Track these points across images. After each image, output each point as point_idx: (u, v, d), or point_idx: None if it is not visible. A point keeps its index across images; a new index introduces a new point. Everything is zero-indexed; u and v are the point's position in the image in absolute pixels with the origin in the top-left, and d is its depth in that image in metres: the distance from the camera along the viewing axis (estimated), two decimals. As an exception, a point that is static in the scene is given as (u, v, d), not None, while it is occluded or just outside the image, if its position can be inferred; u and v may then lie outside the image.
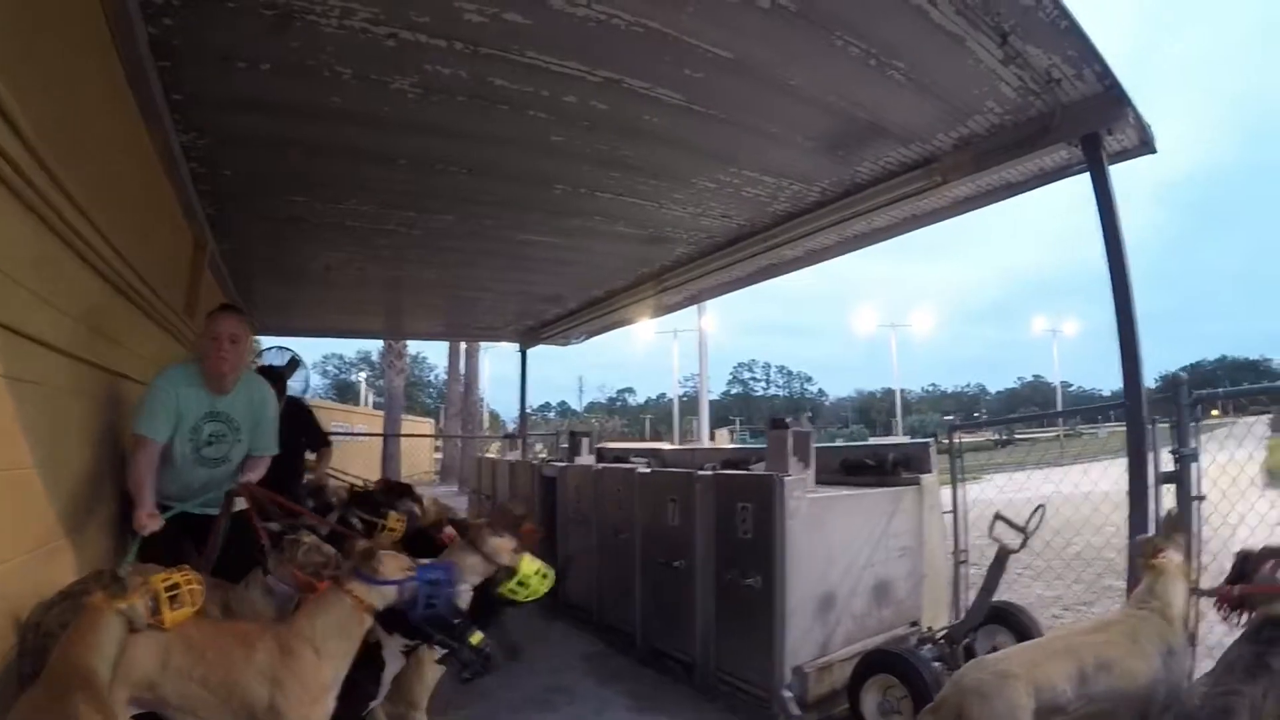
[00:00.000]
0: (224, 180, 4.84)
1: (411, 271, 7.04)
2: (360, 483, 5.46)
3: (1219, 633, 2.95)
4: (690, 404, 43.45)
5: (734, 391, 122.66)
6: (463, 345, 25.71)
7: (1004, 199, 5.13)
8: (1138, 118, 4.06)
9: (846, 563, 4.32)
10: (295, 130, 4.19)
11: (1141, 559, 3.21)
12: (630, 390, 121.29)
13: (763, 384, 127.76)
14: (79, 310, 3.05)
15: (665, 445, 10.58)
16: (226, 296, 7.15)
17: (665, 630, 5.01)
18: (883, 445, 5.70)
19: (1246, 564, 2.83)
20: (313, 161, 4.60)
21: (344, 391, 73.68)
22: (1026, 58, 3.50)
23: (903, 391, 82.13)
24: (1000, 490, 5.08)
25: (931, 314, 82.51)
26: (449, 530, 4.26)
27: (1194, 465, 4.02)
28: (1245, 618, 2.70)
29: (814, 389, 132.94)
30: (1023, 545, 3.85)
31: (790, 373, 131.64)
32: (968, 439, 5.41)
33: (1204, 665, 2.96)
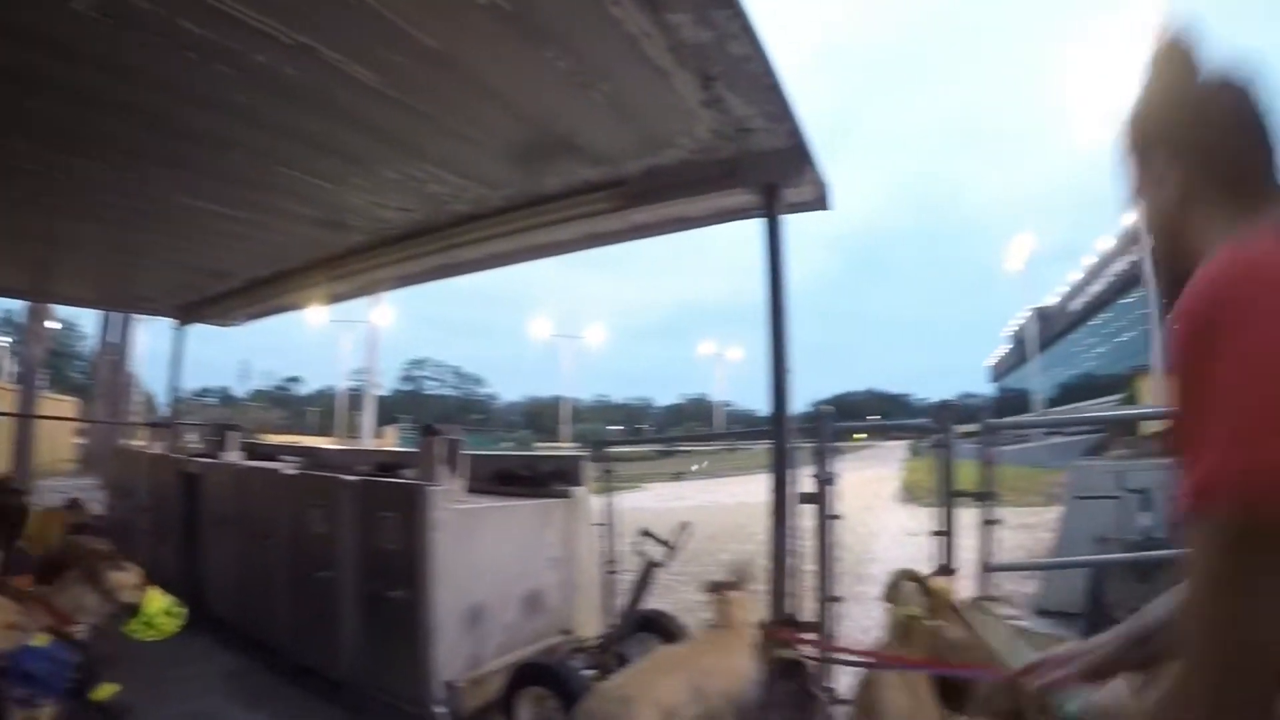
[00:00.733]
0: None
1: (61, 226, 5.98)
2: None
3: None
4: (359, 398, 41.45)
5: (404, 389, 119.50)
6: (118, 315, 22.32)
7: (680, 230, 5.35)
8: (820, 177, 4.42)
9: (497, 574, 4.28)
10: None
11: (716, 595, 3.84)
12: (297, 379, 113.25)
13: (434, 383, 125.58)
14: None
15: (328, 443, 9.89)
16: None
17: (313, 646, 4.67)
18: (536, 457, 5.76)
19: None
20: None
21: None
22: (726, 104, 3.67)
23: (573, 399, 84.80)
24: (660, 499, 5.34)
25: (605, 326, 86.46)
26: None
27: (829, 489, 4.51)
28: None
29: (485, 391, 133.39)
30: (668, 559, 4.07)
31: (462, 373, 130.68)
32: (631, 449, 5.62)
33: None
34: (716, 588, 3.85)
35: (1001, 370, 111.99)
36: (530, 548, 4.49)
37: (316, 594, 4.49)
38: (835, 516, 4.51)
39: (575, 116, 3.87)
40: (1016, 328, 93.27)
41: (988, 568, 4.33)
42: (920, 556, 4.13)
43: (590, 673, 3.80)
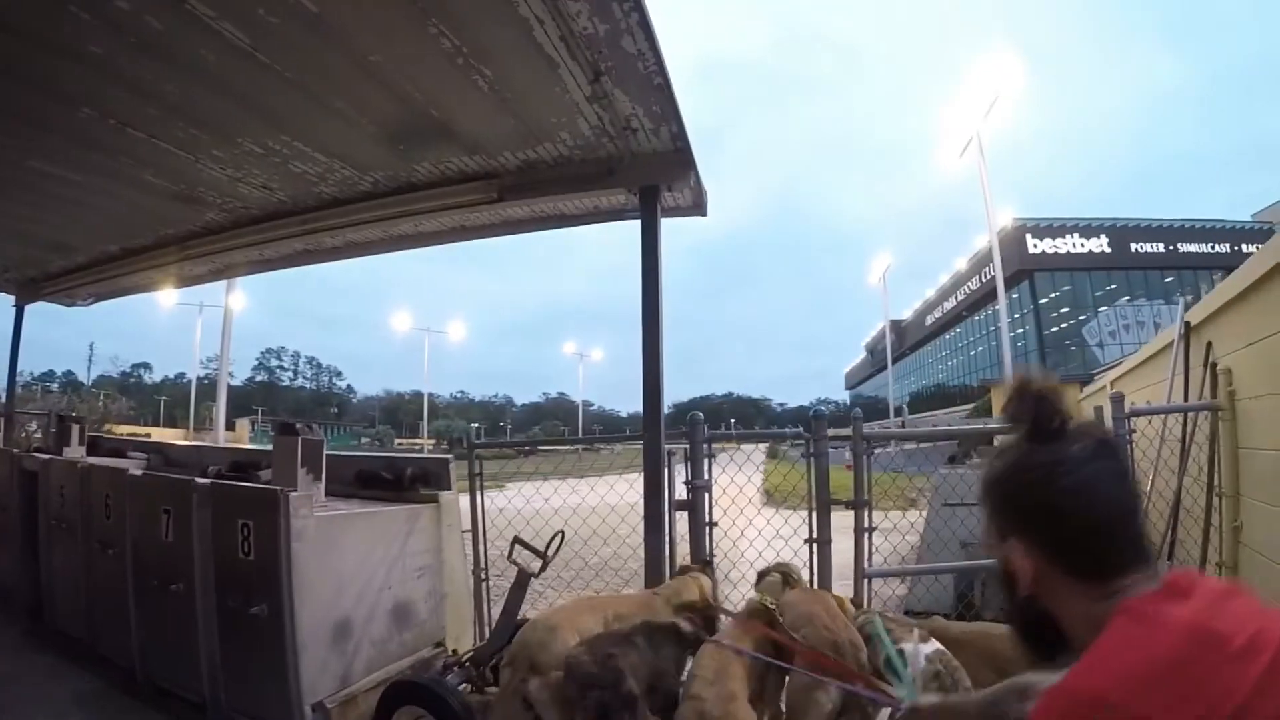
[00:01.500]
0: None
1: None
2: None
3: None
4: (211, 388, 39.18)
5: (259, 379, 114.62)
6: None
7: (556, 228, 5.29)
8: (698, 182, 4.45)
9: (362, 585, 4.01)
10: None
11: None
12: (146, 366, 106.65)
13: (290, 374, 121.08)
14: None
15: (178, 437, 9.21)
16: None
17: (170, 665, 4.23)
18: (400, 458, 5.49)
19: None
20: None
21: None
22: (612, 100, 3.63)
23: (432, 395, 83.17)
24: (526, 500, 5.21)
25: (467, 323, 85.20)
26: None
27: (706, 495, 4.52)
28: None
29: (343, 384, 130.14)
30: (542, 569, 3.97)
31: (320, 365, 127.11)
32: (491, 457, 5.49)
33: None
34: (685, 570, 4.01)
35: (856, 379, 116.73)
36: (397, 556, 4.23)
37: (171, 608, 4.08)
38: (712, 524, 4.53)
39: (454, 101, 3.72)
40: (872, 338, 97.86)
41: (865, 574, 4.41)
42: (791, 561, 4.16)
43: (465, 687, 3.65)
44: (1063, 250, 50.87)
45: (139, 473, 4.77)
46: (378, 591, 4.07)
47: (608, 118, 3.84)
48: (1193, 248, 48.86)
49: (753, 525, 4.86)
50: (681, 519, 4.56)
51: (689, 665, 2.97)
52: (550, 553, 4.01)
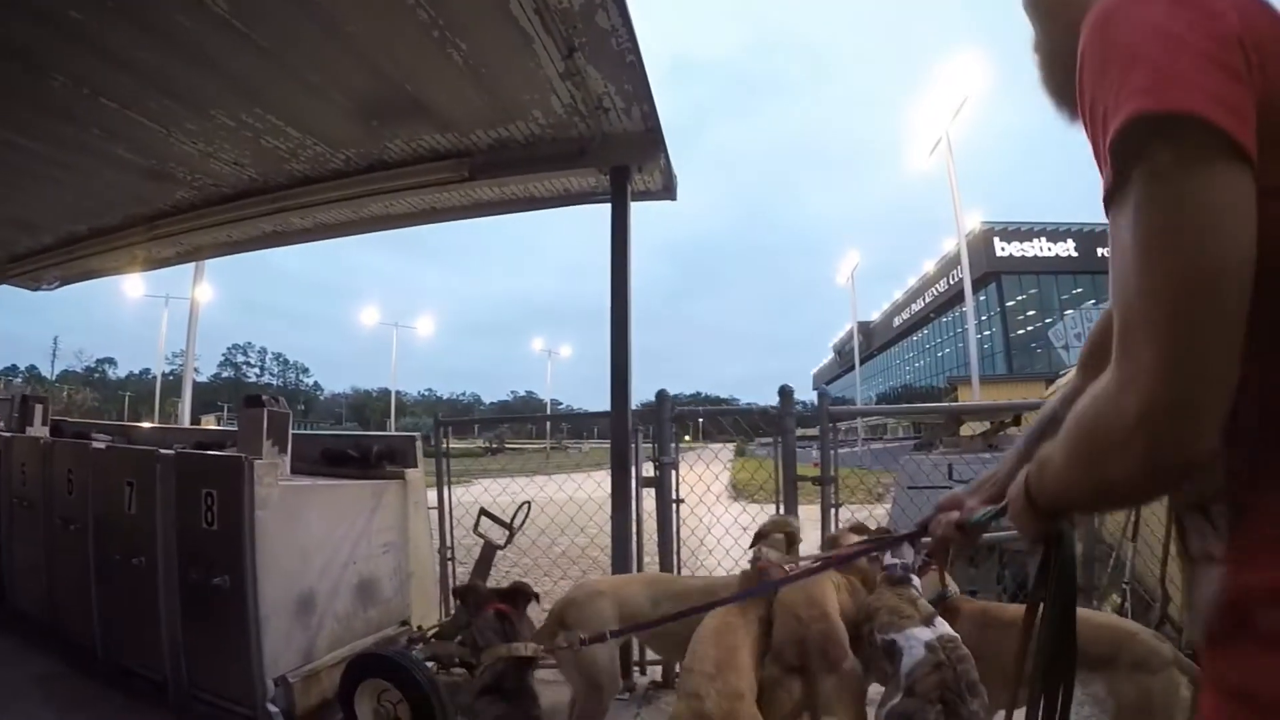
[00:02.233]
0: None
1: None
2: None
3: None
4: (177, 384, 38.55)
5: (225, 375, 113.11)
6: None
7: (526, 211, 5.33)
8: (668, 164, 4.53)
9: (327, 559, 3.99)
10: None
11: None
12: (111, 361, 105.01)
13: (257, 370, 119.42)
14: None
15: (143, 424, 9.09)
16: None
17: (131, 643, 4.16)
18: (367, 436, 5.51)
19: None
20: None
21: None
22: (585, 78, 3.67)
23: (399, 393, 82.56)
24: (489, 494, 5.27)
25: (435, 319, 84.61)
26: None
27: (673, 472, 4.60)
28: None
29: (310, 381, 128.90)
30: (508, 541, 4.02)
31: (287, 361, 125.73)
32: (458, 445, 5.53)
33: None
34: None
35: (824, 379, 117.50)
36: (363, 532, 4.20)
37: (131, 584, 4.02)
38: (679, 500, 4.62)
39: (428, 75, 3.73)
40: (840, 339, 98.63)
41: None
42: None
43: (430, 664, 3.68)
44: (1030, 254, 51.66)
45: (103, 446, 4.73)
46: (342, 567, 4.05)
47: (580, 96, 3.88)
48: (1157, 253, 49.64)
49: (720, 522, 4.95)
50: (648, 497, 4.63)
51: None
52: (516, 523, 4.06)
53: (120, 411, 66.48)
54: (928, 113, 27.45)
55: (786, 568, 2.88)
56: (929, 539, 1.56)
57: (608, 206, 4.56)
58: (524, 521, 4.05)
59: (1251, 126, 0.75)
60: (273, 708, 3.55)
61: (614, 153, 4.40)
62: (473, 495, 5.15)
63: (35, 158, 4.85)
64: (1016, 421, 8.27)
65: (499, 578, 4.64)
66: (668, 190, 4.91)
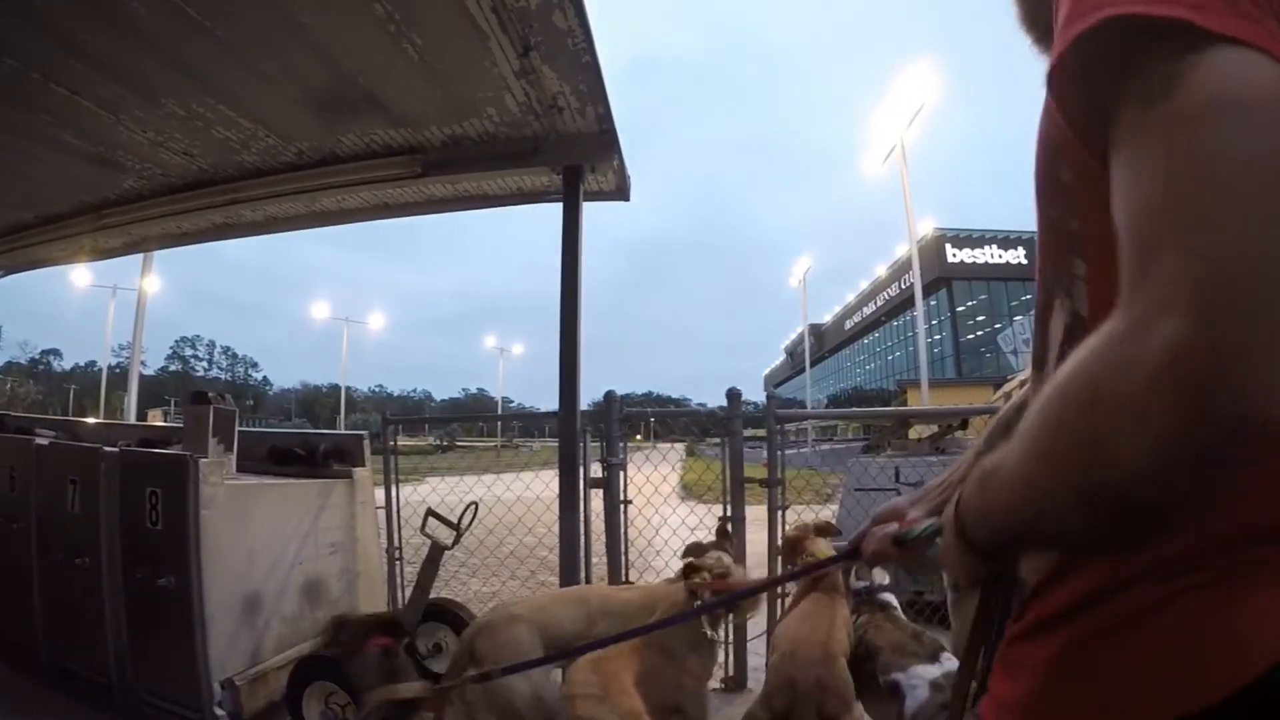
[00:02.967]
0: None
1: None
2: None
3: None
4: (123, 377, 37.54)
5: (172, 368, 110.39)
6: None
7: (479, 208, 5.33)
8: (621, 164, 4.56)
9: (273, 559, 3.96)
10: None
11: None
12: (56, 353, 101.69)
13: (205, 364, 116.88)
14: None
15: (87, 420, 8.84)
16: None
17: (74, 645, 4.07)
18: (314, 434, 5.45)
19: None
20: None
21: None
22: (540, 77, 3.68)
23: (349, 389, 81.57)
24: (438, 493, 5.24)
25: (387, 315, 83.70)
26: None
27: (621, 474, 4.64)
28: None
29: (258, 376, 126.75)
30: (455, 542, 4.01)
31: (235, 355, 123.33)
32: (408, 442, 5.51)
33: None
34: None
35: (775, 381, 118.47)
36: (309, 532, 4.18)
37: (75, 585, 3.94)
38: (626, 501, 4.66)
39: (383, 69, 3.71)
40: (791, 341, 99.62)
41: (780, 552, 4.59)
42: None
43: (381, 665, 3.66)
44: (981, 260, 52.76)
45: (45, 442, 4.62)
46: (289, 567, 4.02)
47: (535, 94, 3.88)
48: (1104, 263, 51.06)
49: (668, 524, 4.99)
50: (596, 498, 4.66)
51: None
52: (464, 524, 4.05)
53: (65, 405, 64.77)
54: (884, 119, 27.85)
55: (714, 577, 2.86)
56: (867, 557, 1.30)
57: (561, 205, 4.57)
58: (471, 522, 4.04)
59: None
60: (219, 710, 3.51)
61: (568, 152, 4.42)
62: (421, 494, 5.13)
63: (-17, 144, 4.71)
64: (964, 425, 8.46)
65: (446, 578, 4.66)
66: (621, 191, 4.94)
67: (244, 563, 3.74)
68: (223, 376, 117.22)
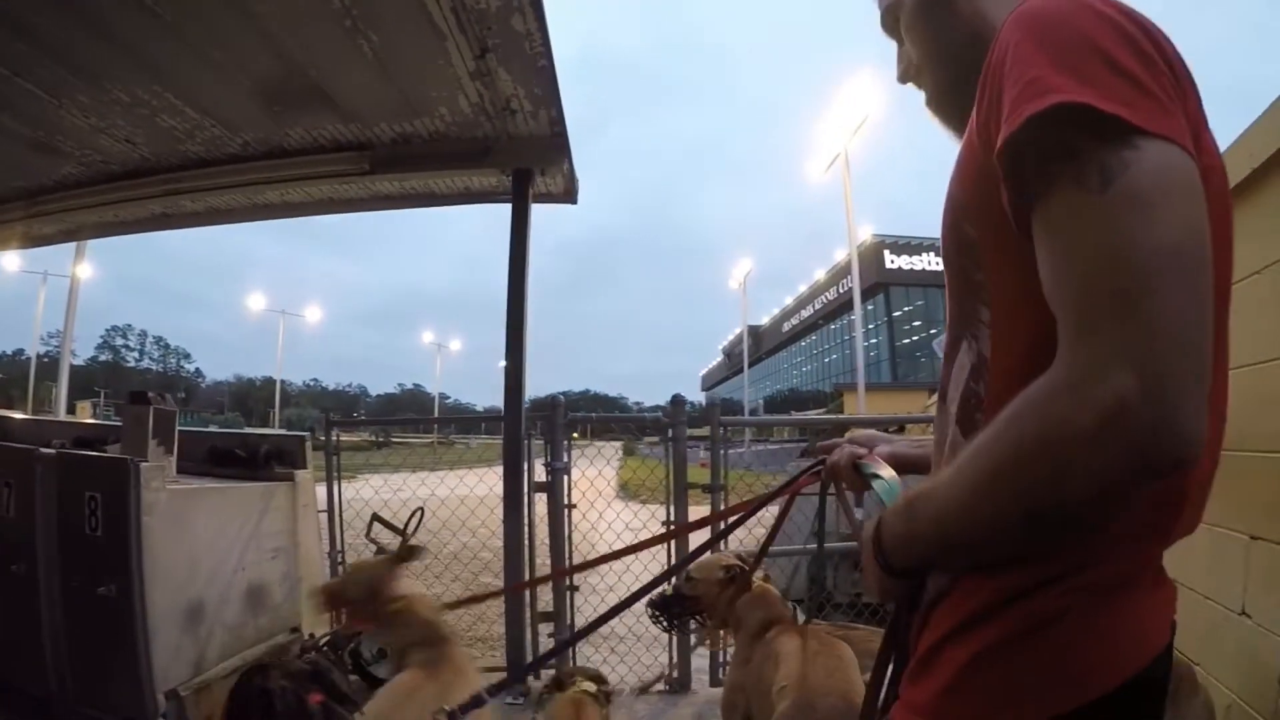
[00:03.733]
0: None
1: None
2: None
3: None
4: (52, 366, 36.01)
5: (103, 358, 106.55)
6: None
7: (425, 207, 5.29)
8: (571, 169, 4.57)
9: (215, 565, 3.83)
10: None
11: None
12: None
13: (136, 354, 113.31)
14: None
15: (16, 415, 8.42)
16: None
17: (9, 656, 3.85)
18: (255, 435, 5.34)
19: None
20: None
21: None
22: (495, 79, 3.67)
23: (284, 382, 79.91)
24: (377, 491, 5.19)
25: (323, 307, 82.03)
26: None
27: (565, 477, 4.65)
28: None
29: (191, 367, 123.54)
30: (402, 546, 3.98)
31: (168, 346, 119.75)
32: (346, 438, 5.44)
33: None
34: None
35: (713, 381, 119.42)
36: (251, 536, 4.06)
37: (12, 594, 3.71)
38: (570, 505, 4.67)
39: (336, 64, 3.65)
40: (729, 342, 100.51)
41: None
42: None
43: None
44: (918, 267, 53.88)
45: (-28, 443, 4.44)
46: (231, 573, 3.90)
47: (488, 96, 3.86)
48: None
49: (611, 527, 5.02)
50: (540, 501, 4.66)
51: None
52: (410, 530, 4.02)
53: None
54: (828, 127, 28.19)
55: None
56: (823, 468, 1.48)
57: (508, 205, 4.57)
58: (417, 527, 4.01)
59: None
60: (163, 722, 3.43)
61: (518, 155, 4.41)
62: (360, 493, 5.07)
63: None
64: (900, 430, 8.64)
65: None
66: (568, 194, 4.95)
67: (186, 569, 3.62)
68: (154, 367, 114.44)
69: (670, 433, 4.72)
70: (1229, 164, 0.97)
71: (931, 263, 53.69)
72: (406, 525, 3.95)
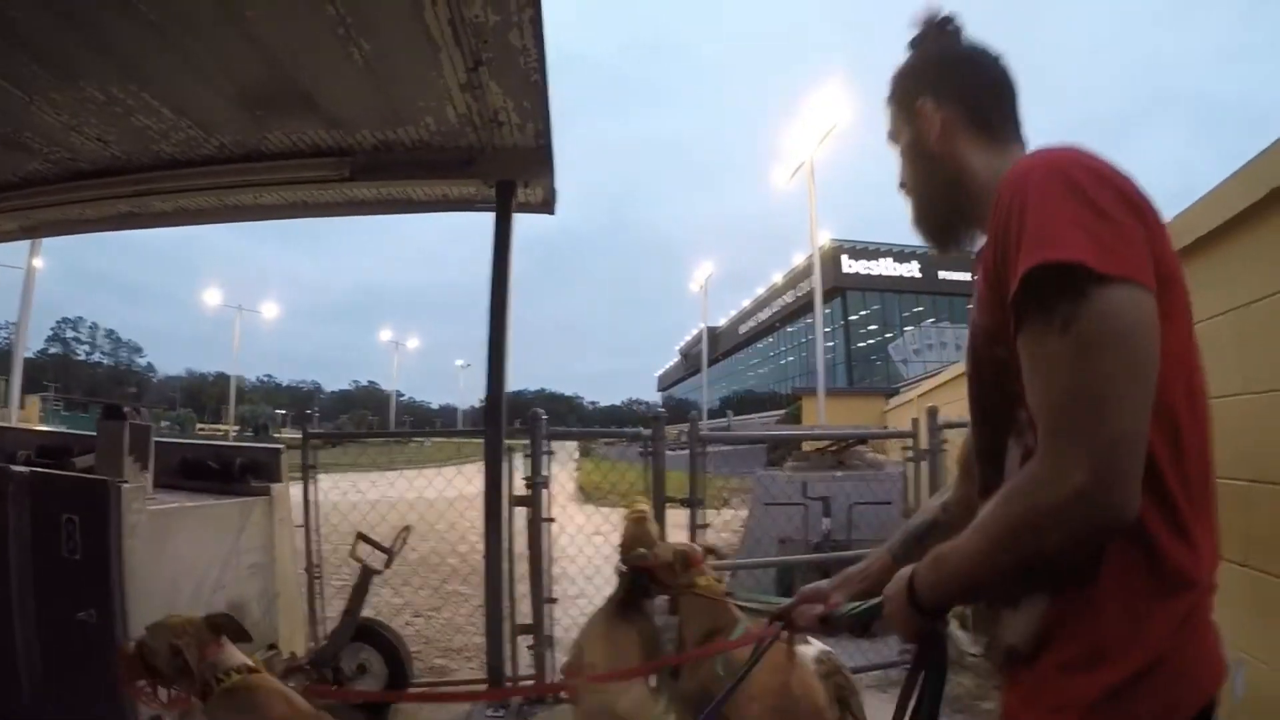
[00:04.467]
0: None
1: None
2: None
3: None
4: (4, 360, 34.67)
5: (53, 351, 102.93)
6: None
7: (402, 213, 5.24)
8: (552, 182, 4.54)
9: (196, 585, 3.70)
10: None
11: None
12: None
13: (87, 347, 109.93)
14: None
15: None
16: None
17: None
18: (229, 447, 5.20)
19: None
20: None
21: None
22: (485, 91, 3.62)
23: (238, 379, 78.26)
24: (345, 494, 5.11)
25: (280, 303, 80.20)
26: None
27: (544, 491, 4.62)
28: None
29: (143, 361, 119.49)
30: (387, 565, 3.92)
31: (119, 339, 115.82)
32: (296, 436, 5.34)
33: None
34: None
35: (669, 381, 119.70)
36: (230, 553, 3.94)
37: None
38: (550, 519, 4.64)
39: (324, 72, 3.56)
40: (687, 342, 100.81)
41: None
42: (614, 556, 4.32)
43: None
44: (875, 272, 54.56)
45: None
46: (211, 592, 3.76)
47: (477, 108, 3.81)
48: (995, 278, 53.75)
49: (583, 531, 5.00)
50: (518, 514, 4.63)
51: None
52: (396, 548, 3.96)
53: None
54: (792, 134, 28.19)
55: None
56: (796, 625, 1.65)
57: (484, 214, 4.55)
58: (402, 546, 3.96)
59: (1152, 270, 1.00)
60: (146, 749, 3.27)
61: (502, 166, 4.38)
62: (328, 495, 4.97)
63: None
64: (862, 441, 8.73)
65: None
66: (546, 205, 4.91)
67: (168, 591, 3.48)
68: (105, 360, 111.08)
69: (652, 448, 4.75)
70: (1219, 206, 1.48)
71: (889, 268, 54.46)
72: (394, 544, 3.90)
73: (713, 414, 62.96)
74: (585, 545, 4.96)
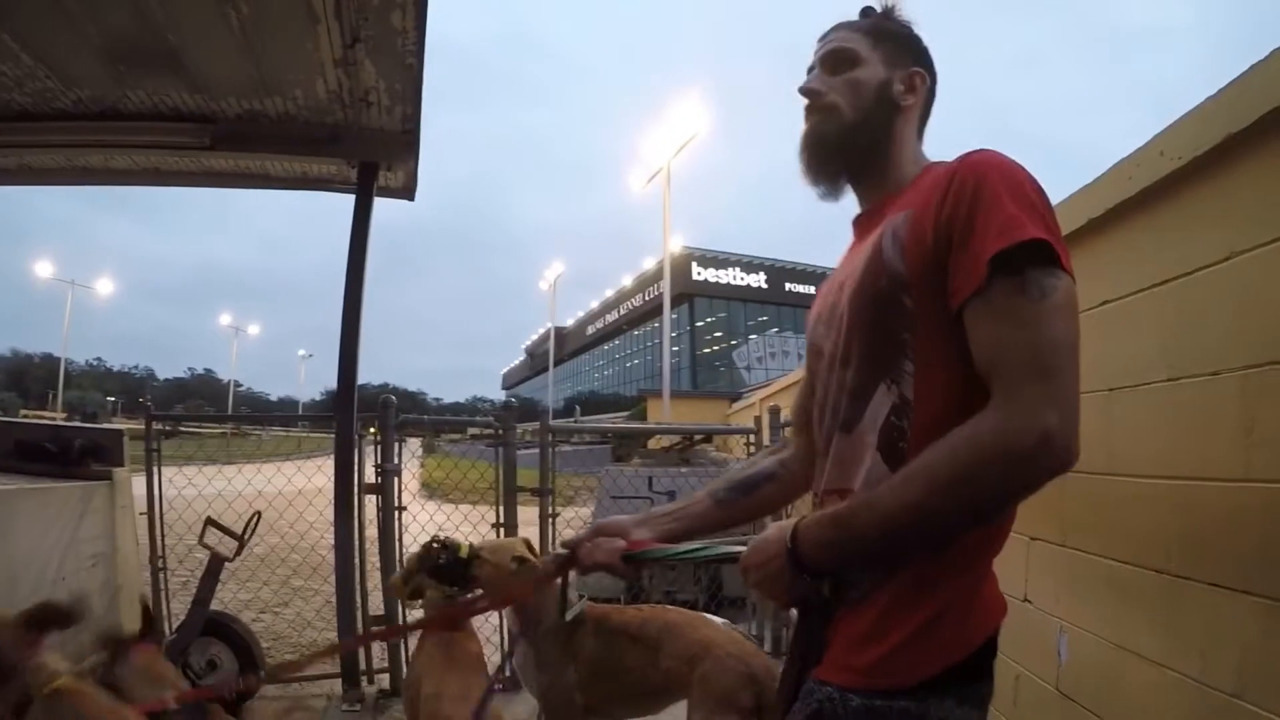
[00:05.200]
0: None
1: None
2: None
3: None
4: None
5: None
6: None
7: (259, 188, 5.06)
8: (415, 167, 4.53)
9: (35, 576, 3.37)
10: None
11: None
12: None
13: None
14: None
15: None
16: None
17: None
18: (68, 428, 4.84)
19: None
20: None
21: None
22: (359, 69, 3.56)
23: (67, 362, 71.76)
24: (180, 489, 4.86)
25: (115, 279, 73.75)
26: None
27: (396, 479, 4.57)
28: None
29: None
30: (238, 553, 3.79)
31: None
32: (133, 426, 5.08)
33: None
34: None
35: (514, 380, 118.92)
36: (70, 542, 3.62)
37: None
38: (401, 508, 4.60)
39: (197, 30, 3.35)
40: (533, 341, 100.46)
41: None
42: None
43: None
44: (724, 280, 55.96)
45: None
46: (51, 584, 3.42)
47: (348, 85, 3.75)
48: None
49: (433, 521, 4.99)
50: (368, 503, 4.59)
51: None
52: (246, 535, 3.82)
53: None
54: (653, 140, 28.43)
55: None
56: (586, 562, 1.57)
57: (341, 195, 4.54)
58: (253, 532, 3.81)
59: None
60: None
61: (367, 147, 4.34)
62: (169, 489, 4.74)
63: None
64: (708, 439, 9.01)
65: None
66: (407, 190, 4.91)
67: (8, 583, 3.20)
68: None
69: (503, 438, 4.82)
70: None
71: (737, 277, 55.97)
72: (244, 530, 3.75)
73: (558, 414, 62.79)
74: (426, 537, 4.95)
